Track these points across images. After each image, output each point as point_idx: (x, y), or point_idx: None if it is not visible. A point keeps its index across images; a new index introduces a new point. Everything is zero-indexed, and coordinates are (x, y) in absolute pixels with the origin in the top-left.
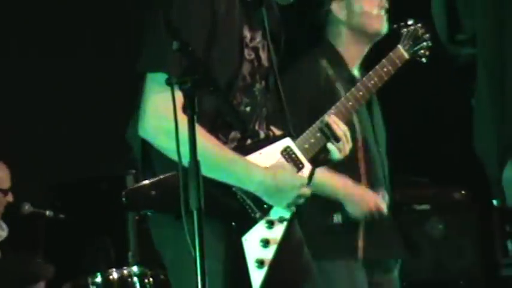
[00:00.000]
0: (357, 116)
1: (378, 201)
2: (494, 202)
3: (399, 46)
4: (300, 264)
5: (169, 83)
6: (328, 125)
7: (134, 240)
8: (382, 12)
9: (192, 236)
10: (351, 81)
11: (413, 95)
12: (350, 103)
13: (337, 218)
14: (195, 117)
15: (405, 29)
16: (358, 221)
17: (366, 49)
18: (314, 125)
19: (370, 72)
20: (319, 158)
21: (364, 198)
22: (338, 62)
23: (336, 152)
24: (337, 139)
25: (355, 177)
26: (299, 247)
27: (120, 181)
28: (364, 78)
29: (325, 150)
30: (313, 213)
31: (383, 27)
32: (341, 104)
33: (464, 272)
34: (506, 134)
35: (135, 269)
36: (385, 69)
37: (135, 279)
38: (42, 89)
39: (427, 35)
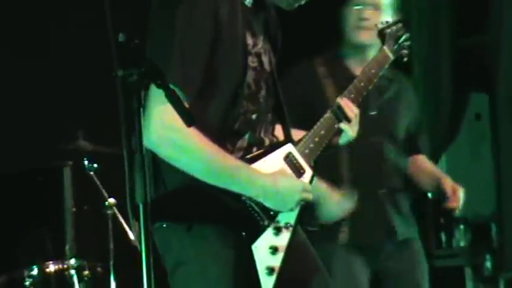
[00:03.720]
0: None
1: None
2: (429, 195)
3: (384, 47)
4: (307, 263)
5: (115, 76)
6: (340, 107)
7: (71, 233)
8: (362, 24)
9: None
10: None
11: None
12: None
13: None
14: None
15: (388, 30)
16: None
17: (363, 55)
18: (322, 119)
19: (359, 74)
20: (332, 142)
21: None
22: (336, 62)
23: (349, 131)
24: (348, 120)
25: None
26: (304, 246)
27: (56, 173)
28: (355, 80)
29: (336, 134)
30: None
31: (366, 38)
32: (348, 91)
33: None
34: (440, 129)
35: (72, 261)
36: (372, 71)
37: (73, 271)
38: None
39: (407, 34)
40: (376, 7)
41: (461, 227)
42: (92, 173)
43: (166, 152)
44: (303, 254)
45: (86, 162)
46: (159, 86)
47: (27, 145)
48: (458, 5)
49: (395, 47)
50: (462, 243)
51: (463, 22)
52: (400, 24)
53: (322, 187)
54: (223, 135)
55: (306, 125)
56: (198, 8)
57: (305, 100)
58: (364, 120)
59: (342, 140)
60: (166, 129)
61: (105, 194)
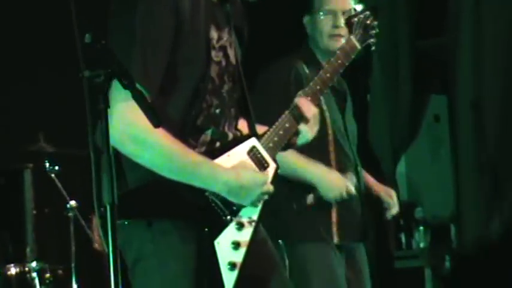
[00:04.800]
0: (328, 111)
1: (347, 183)
2: None
3: (351, 37)
4: (266, 260)
5: (81, 76)
6: (297, 107)
7: (32, 235)
8: (338, 32)
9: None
10: None
11: None
12: (309, 97)
13: (310, 199)
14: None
15: (355, 18)
16: (330, 205)
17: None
18: (283, 115)
19: (326, 66)
20: (291, 141)
21: (335, 181)
22: (315, 64)
23: (307, 132)
24: (306, 120)
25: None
26: (263, 244)
27: (17, 175)
28: (320, 72)
29: (295, 134)
30: (283, 200)
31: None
32: (309, 89)
33: None
34: (399, 130)
35: (33, 264)
36: (339, 62)
37: (34, 274)
38: None
39: (375, 23)
40: (347, 13)
41: (421, 228)
42: (53, 175)
43: (128, 149)
44: (262, 251)
45: (47, 165)
46: (125, 87)
47: None
48: (416, 7)
49: (363, 36)
50: (422, 245)
51: (421, 24)
52: (368, 13)
53: (319, 167)
54: (186, 130)
55: None
56: (158, 3)
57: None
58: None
59: (300, 140)
60: (128, 126)
61: (67, 197)
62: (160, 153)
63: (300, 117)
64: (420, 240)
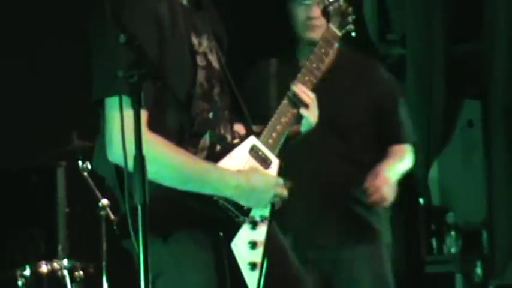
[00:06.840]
0: None
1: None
2: (421, 201)
3: (330, 25)
4: (291, 271)
5: (115, 76)
6: (295, 94)
7: (64, 233)
8: (313, 22)
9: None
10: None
11: None
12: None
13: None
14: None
15: (331, 7)
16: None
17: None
18: (280, 105)
19: (311, 56)
20: (293, 130)
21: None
22: (291, 59)
23: (309, 117)
24: (306, 105)
25: None
26: (285, 252)
27: (50, 173)
28: (306, 63)
29: (297, 121)
30: None
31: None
32: (301, 75)
33: None
34: (432, 135)
35: (65, 262)
36: (323, 50)
37: (65, 272)
38: None
39: (350, 9)
40: (321, 3)
41: (453, 233)
42: (85, 173)
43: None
44: (285, 260)
45: (79, 163)
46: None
47: (21, 145)
48: (452, 12)
49: (341, 23)
50: (453, 250)
51: (456, 29)
52: (341, 0)
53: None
54: (184, 137)
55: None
56: (139, 16)
57: (250, 99)
58: None
59: (304, 127)
60: (129, 143)
61: (99, 195)
62: (167, 164)
63: (299, 102)
64: (451, 245)
